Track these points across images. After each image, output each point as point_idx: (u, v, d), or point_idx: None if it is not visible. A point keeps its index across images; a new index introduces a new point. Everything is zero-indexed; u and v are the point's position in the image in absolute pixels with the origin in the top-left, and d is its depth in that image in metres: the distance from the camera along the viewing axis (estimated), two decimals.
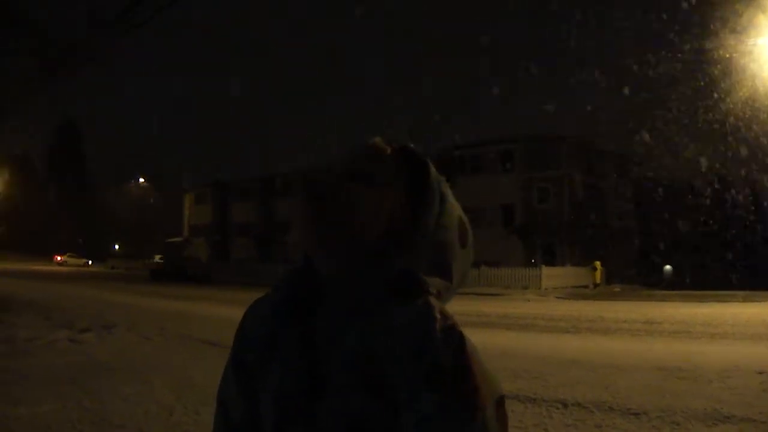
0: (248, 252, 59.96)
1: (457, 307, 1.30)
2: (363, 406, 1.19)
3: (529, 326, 14.99)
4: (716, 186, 55.05)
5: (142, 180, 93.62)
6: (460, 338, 1.21)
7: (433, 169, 1.39)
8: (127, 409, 6.21)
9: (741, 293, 28.14)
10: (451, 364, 1.18)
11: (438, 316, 1.22)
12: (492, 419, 1.18)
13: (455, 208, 1.42)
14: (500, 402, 1.22)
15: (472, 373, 1.19)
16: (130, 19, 14.68)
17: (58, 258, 76.81)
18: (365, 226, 1.28)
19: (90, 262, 76.61)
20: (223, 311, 16.34)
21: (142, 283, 37.05)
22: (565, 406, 6.41)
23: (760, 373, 8.02)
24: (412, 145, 1.41)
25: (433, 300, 1.25)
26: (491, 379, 1.22)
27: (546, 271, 35.27)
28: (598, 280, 38.05)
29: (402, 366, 1.19)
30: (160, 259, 52.19)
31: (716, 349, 10.61)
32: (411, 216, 1.33)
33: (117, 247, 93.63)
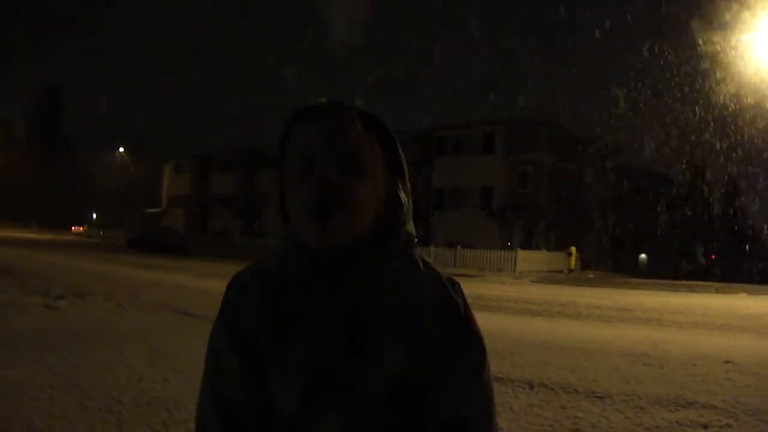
0: (227, 224, 59.74)
1: None
2: (403, 362, 1.32)
3: (502, 308, 15.09)
4: (695, 179, 55.56)
5: (122, 149, 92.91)
6: (460, 287, 1.44)
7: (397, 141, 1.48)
8: (98, 375, 6.22)
9: (714, 284, 28.52)
10: (464, 309, 1.41)
11: (437, 270, 1.44)
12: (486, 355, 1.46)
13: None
14: None
15: (474, 317, 1.43)
16: None
17: (81, 228, 76.33)
18: (370, 212, 1.36)
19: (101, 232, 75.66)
20: (198, 283, 16.34)
21: (119, 253, 36.87)
22: (532, 386, 6.48)
23: (726, 362, 8.13)
24: (380, 117, 1.46)
25: (422, 257, 1.45)
26: None
27: (522, 254, 35.47)
28: (573, 266, 38.31)
29: (431, 316, 1.36)
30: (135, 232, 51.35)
31: (685, 337, 10.74)
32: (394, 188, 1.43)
33: (95, 215, 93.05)
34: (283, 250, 1.42)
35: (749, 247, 56.04)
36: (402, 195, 1.42)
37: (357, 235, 1.34)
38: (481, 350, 1.44)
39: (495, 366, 7.17)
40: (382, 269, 1.37)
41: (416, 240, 1.44)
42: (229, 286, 1.46)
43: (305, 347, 1.32)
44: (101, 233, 72.01)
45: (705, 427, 5.34)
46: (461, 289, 1.45)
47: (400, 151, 1.45)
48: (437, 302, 1.38)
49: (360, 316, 1.32)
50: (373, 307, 1.33)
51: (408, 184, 1.45)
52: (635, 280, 32.80)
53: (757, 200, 57.65)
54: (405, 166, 1.45)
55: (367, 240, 1.35)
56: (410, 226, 1.43)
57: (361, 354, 1.30)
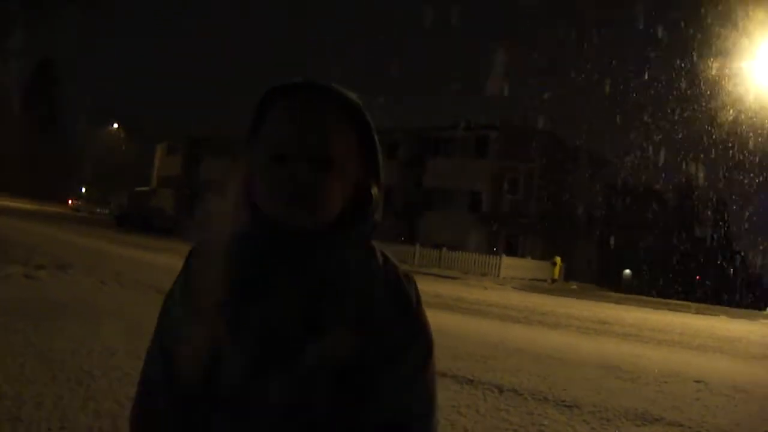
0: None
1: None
2: (353, 345, 1.33)
3: (482, 312, 15.16)
4: (684, 199, 55.79)
5: (116, 126, 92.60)
6: (415, 282, 1.46)
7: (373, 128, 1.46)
8: (72, 347, 6.22)
9: (694, 305, 28.70)
10: (415, 303, 1.43)
11: (394, 262, 1.46)
12: None
13: None
14: None
15: (425, 313, 1.45)
16: None
17: (78, 202, 75.70)
18: (338, 202, 1.37)
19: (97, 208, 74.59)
20: (181, 263, 16.24)
21: (106, 228, 36.74)
22: (501, 390, 6.51)
23: (697, 381, 8.19)
24: (357, 103, 1.42)
25: (382, 250, 1.47)
26: None
27: (506, 260, 35.56)
28: (556, 276, 38.40)
29: (384, 305, 1.38)
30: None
31: (660, 354, 10.80)
32: (367, 177, 1.43)
33: (84, 190, 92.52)
34: (247, 224, 1.41)
35: (733, 270, 56.37)
36: (373, 188, 1.42)
37: (323, 221, 1.35)
38: (429, 345, 1.43)
39: (467, 368, 7.21)
40: (343, 255, 1.37)
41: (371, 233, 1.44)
42: (191, 252, 1.49)
43: (259, 319, 1.33)
44: (97, 209, 71.48)
45: None
46: (415, 284, 1.46)
47: (376, 139, 1.43)
48: (391, 292, 1.39)
49: (316, 296, 1.33)
50: (330, 290, 1.34)
51: (381, 175, 1.44)
52: (617, 295, 32.94)
53: (746, 224, 58.04)
54: (380, 156, 1.44)
55: (333, 225, 1.36)
56: (378, 216, 1.43)
57: (313, 333, 1.31)
